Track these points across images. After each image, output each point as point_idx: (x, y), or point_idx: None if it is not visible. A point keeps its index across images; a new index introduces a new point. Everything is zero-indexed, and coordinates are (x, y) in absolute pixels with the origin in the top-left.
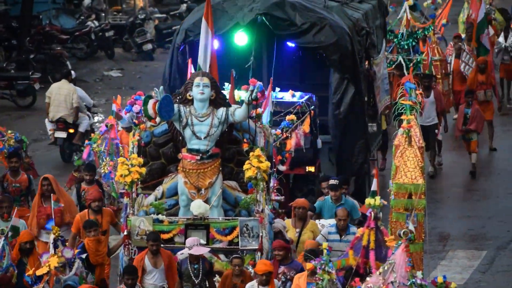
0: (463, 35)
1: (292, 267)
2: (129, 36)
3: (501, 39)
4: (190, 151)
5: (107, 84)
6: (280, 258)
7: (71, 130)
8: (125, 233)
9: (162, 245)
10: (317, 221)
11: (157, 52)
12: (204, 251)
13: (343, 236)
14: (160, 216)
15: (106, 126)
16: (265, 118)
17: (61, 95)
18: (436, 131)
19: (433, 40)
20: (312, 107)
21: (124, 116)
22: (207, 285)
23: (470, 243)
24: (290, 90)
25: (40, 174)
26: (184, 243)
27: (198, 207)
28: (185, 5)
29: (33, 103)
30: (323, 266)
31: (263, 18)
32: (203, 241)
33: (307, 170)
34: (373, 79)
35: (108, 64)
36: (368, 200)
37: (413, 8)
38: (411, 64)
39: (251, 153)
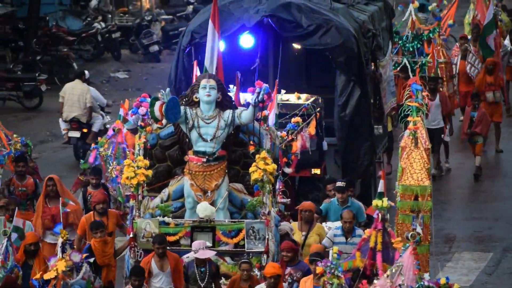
0: (469, 36)
1: (299, 268)
2: (136, 37)
3: (506, 42)
4: (196, 153)
5: (114, 85)
6: (288, 259)
7: (85, 130)
8: (131, 235)
9: (168, 248)
10: (323, 223)
11: (164, 53)
12: (210, 254)
13: (349, 239)
14: (166, 219)
15: (113, 130)
16: (271, 120)
17: (75, 95)
18: (443, 135)
19: (438, 42)
20: (317, 109)
21: (129, 118)
22: None
23: (476, 245)
24: (296, 92)
25: (45, 175)
26: (190, 246)
27: (204, 209)
28: (191, 6)
29: (39, 104)
30: (332, 270)
31: (269, 20)
32: (209, 244)
33: (312, 173)
34: (379, 81)
35: (114, 65)
36: (376, 202)
37: (422, 8)
38: (416, 66)
39: (257, 155)
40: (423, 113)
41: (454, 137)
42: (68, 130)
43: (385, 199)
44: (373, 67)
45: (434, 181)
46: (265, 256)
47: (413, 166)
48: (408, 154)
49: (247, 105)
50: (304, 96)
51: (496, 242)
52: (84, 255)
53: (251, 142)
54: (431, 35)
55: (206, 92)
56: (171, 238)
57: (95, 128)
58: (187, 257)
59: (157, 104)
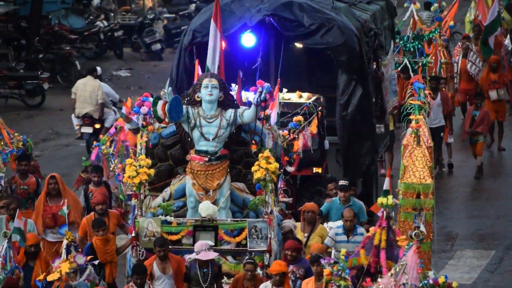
0: (470, 35)
1: (301, 265)
2: (138, 36)
3: (507, 41)
4: (198, 152)
5: (116, 84)
6: (292, 258)
7: (97, 126)
8: (133, 234)
9: (170, 247)
10: (324, 224)
11: (166, 52)
12: (212, 256)
13: (350, 237)
14: (168, 218)
15: (116, 128)
16: (273, 119)
17: (87, 91)
18: (442, 134)
19: (439, 42)
20: (319, 108)
21: (134, 119)
22: None
23: (479, 242)
24: (298, 91)
25: (48, 173)
26: (193, 245)
27: (206, 208)
28: (194, 5)
29: (42, 102)
30: (339, 272)
31: (271, 19)
32: (211, 243)
33: (314, 171)
34: (381, 80)
35: (117, 64)
36: (381, 199)
37: (428, 6)
38: (417, 66)
39: (260, 154)
40: (425, 111)
41: (454, 137)
42: (80, 125)
43: (390, 197)
44: (375, 66)
45: (436, 179)
46: (267, 255)
47: (415, 164)
48: (410, 152)
49: (248, 104)
50: (305, 95)
51: (498, 240)
52: (89, 257)
53: (253, 141)
54: (431, 35)
55: (208, 91)
56: (173, 237)
57: (107, 124)
58: (189, 258)
59: (160, 103)
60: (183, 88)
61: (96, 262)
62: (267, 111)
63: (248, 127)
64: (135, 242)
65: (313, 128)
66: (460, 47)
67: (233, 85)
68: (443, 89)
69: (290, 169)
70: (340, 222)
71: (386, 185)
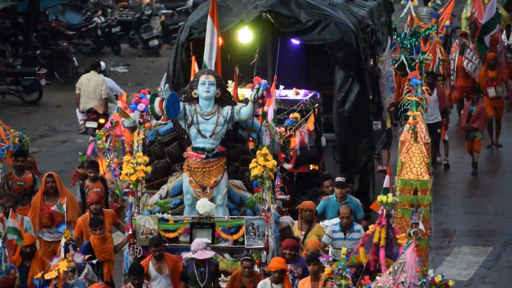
0: (467, 32)
1: (299, 264)
2: (136, 32)
3: (503, 37)
4: (195, 149)
5: (114, 80)
6: (290, 257)
7: (102, 120)
8: (130, 232)
9: (167, 244)
10: (320, 222)
11: (164, 48)
12: (209, 255)
13: (347, 234)
14: (165, 215)
15: (111, 122)
16: (269, 116)
17: (90, 87)
18: (439, 130)
19: (436, 39)
20: (316, 105)
21: (130, 114)
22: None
23: (476, 239)
24: (294, 88)
25: (45, 169)
26: (190, 243)
27: (204, 206)
28: (191, 1)
29: (39, 98)
30: (340, 271)
31: (268, 15)
32: (208, 241)
33: (311, 168)
34: (378, 76)
35: (114, 60)
36: (380, 197)
37: (427, 1)
38: (414, 63)
39: (257, 152)
40: (423, 107)
41: (452, 133)
42: (85, 120)
43: (390, 194)
44: (372, 63)
45: (433, 175)
46: (264, 252)
47: (412, 160)
48: (407, 148)
49: (245, 101)
50: (302, 91)
51: (495, 236)
52: (87, 256)
53: (251, 139)
54: (428, 32)
55: (205, 88)
56: (170, 235)
57: None
58: (186, 257)
59: (157, 100)
60: (180, 85)
61: (94, 261)
62: (264, 108)
63: (245, 124)
64: (132, 240)
65: (310, 125)
66: (457, 44)
67: (229, 81)
68: (441, 85)
69: (287, 166)
70: (336, 220)
71: (386, 183)
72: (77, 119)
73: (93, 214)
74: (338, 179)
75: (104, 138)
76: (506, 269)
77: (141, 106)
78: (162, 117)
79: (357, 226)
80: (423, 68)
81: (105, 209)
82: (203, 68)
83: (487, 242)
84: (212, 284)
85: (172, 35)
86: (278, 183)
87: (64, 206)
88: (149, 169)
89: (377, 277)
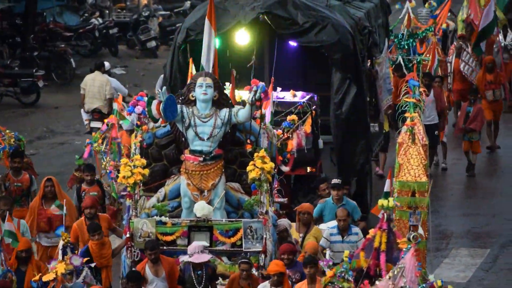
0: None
1: (297, 269)
2: (133, 33)
3: (500, 37)
4: (193, 152)
5: None
6: (288, 262)
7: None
8: (128, 235)
9: (165, 247)
10: (317, 226)
11: (161, 49)
12: (205, 258)
13: (345, 237)
14: (163, 218)
15: (107, 125)
16: (267, 118)
17: (95, 87)
18: (436, 132)
19: (434, 40)
20: (313, 107)
21: (127, 117)
22: None
23: (474, 241)
24: (292, 90)
25: (43, 171)
26: (187, 246)
27: (201, 208)
28: (189, 2)
29: (37, 100)
30: (342, 274)
31: (265, 17)
32: (206, 244)
33: (308, 171)
34: (375, 78)
35: (112, 61)
36: (381, 201)
37: (425, 1)
38: (413, 63)
39: (255, 154)
40: (420, 109)
41: (449, 134)
42: (90, 120)
43: (391, 198)
44: (369, 65)
45: (432, 180)
46: (262, 255)
47: (410, 162)
48: (405, 150)
49: (242, 103)
50: (299, 93)
51: (493, 238)
52: (85, 259)
53: (248, 141)
54: (425, 33)
55: (202, 90)
56: (167, 238)
57: None
58: (183, 260)
59: (154, 103)
60: (177, 87)
61: (92, 265)
62: (262, 111)
63: (243, 126)
64: (130, 243)
65: (307, 127)
66: (455, 46)
67: (226, 83)
68: (439, 86)
69: (285, 168)
70: (333, 223)
71: (387, 187)
72: (82, 119)
73: (88, 219)
74: (335, 181)
75: (100, 141)
76: (504, 271)
77: (139, 109)
78: (160, 119)
79: (355, 229)
80: (421, 69)
81: (100, 214)
82: (200, 70)
83: (485, 244)
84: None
85: (170, 36)
86: (276, 185)
87: (64, 207)
88: (146, 171)
89: (377, 282)
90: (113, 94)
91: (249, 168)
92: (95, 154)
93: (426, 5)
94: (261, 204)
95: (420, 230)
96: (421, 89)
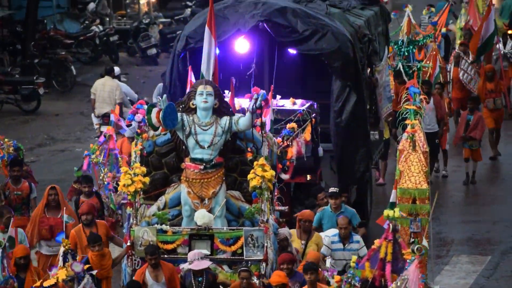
0: (458, 41)
1: (296, 279)
2: (134, 40)
3: (500, 45)
4: (193, 160)
5: None
6: (287, 272)
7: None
8: (129, 243)
9: (165, 256)
10: None
11: (162, 56)
12: (205, 265)
13: (346, 245)
14: (164, 226)
15: (105, 136)
16: (266, 126)
17: (105, 92)
18: (437, 140)
19: (433, 47)
20: (313, 115)
21: (124, 126)
22: None
23: (474, 248)
24: (291, 98)
25: (44, 178)
26: (188, 254)
27: (202, 217)
28: (189, 9)
29: (37, 107)
30: (349, 280)
31: (265, 24)
32: (207, 252)
33: (308, 179)
34: (375, 86)
35: None
36: (387, 212)
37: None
38: (413, 70)
39: (255, 162)
40: (421, 116)
41: (449, 141)
42: (100, 125)
43: (396, 209)
44: (369, 72)
45: (431, 184)
46: (264, 264)
47: (411, 169)
48: (406, 157)
49: (242, 111)
50: (299, 101)
51: (494, 245)
52: (87, 266)
53: (249, 149)
54: (425, 40)
55: (203, 98)
56: (168, 246)
57: None
58: (183, 268)
59: (154, 111)
60: (176, 94)
61: (94, 272)
62: (262, 119)
63: (243, 134)
64: (131, 252)
65: (307, 135)
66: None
67: (226, 91)
68: (440, 94)
69: (285, 176)
70: (332, 231)
71: (392, 197)
72: (93, 123)
73: (85, 225)
74: (332, 189)
75: (98, 152)
76: (505, 278)
77: (139, 117)
78: (160, 127)
79: (356, 237)
80: (421, 76)
81: (98, 220)
82: (200, 79)
83: (486, 251)
84: None
85: (170, 44)
86: (276, 193)
87: (65, 216)
88: (147, 180)
89: None
90: (123, 99)
91: (250, 176)
92: (93, 166)
93: (424, 11)
94: (262, 213)
95: (424, 242)
96: (422, 96)
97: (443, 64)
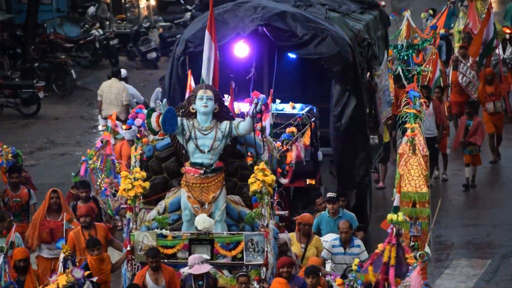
0: (457, 44)
1: (295, 283)
2: (134, 44)
3: (499, 50)
4: (193, 165)
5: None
6: (288, 275)
7: (124, 127)
8: (128, 248)
9: (165, 260)
10: None
11: (161, 60)
12: (205, 270)
13: (347, 249)
14: (164, 231)
15: (102, 142)
16: (266, 130)
17: (112, 94)
18: (437, 145)
19: (433, 51)
20: (312, 119)
21: (121, 131)
22: None
23: (474, 251)
24: (291, 102)
25: (44, 182)
26: (188, 259)
27: (203, 221)
28: (189, 13)
29: (37, 111)
30: (351, 283)
31: (264, 29)
32: (207, 257)
33: (307, 183)
34: (374, 90)
35: None
36: (390, 216)
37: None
38: (414, 74)
39: (256, 167)
40: (421, 120)
41: (449, 146)
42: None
43: (400, 213)
44: (368, 77)
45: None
46: (264, 268)
47: (411, 173)
48: (406, 161)
49: (241, 115)
50: (299, 105)
51: (494, 249)
52: (87, 272)
53: (249, 154)
54: (425, 44)
55: (203, 103)
56: (168, 251)
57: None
58: (183, 272)
59: (154, 115)
60: (175, 99)
61: (94, 279)
62: (263, 123)
63: (243, 139)
64: (131, 256)
65: (306, 139)
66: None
67: (225, 95)
68: (439, 98)
69: (284, 181)
70: (331, 236)
71: (396, 202)
72: (99, 125)
73: (84, 227)
74: (329, 194)
75: (95, 158)
76: (505, 281)
77: (138, 121)
78: (157, 132)
79: (357, 241)
80: (420, 80)
81: (96, 223)
82: (200, 83)
83: (486, 254)
84: None
85: (170, 47)
86: (275, 198)
87: (65, 222)
88: (147, 184)
89: None
90: (129, 101)
91: (250, 180)
92: (90, 171)
93: (422, 15)
94: (262, 217)
95: (427, 249)
96: (422, 100)
97: (443, 68)
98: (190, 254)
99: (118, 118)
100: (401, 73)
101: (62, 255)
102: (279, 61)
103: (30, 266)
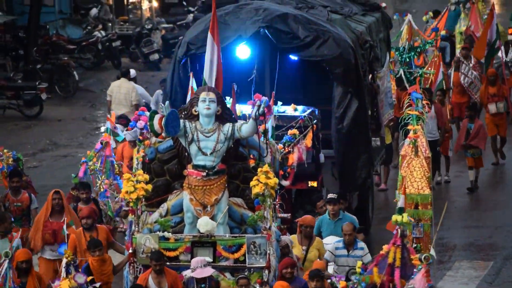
0: (459, 45)
1: (296, 285)
2: (136, 46)
3: (501, 53)
4: (196, 167)
5: None
6: (290, 276)
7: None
8: (131, 250)
9: (168, 263)
10: None
11: (164, 62)
12: (207, 273)
13: (350, 251)
14: (166, 234)
15: (101, 143)
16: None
17: (121, 94)
18: (439, 148)
19: (435, 54)
20: (314, 121)
21: (120, 133)
22: None
23: (477, 253)
24: (293, 104)
25: (46, 183)
26: (190, 261)
27: (205, 224)
28: (191, 15)
29: (40, 113)
30: (355, 285)
31: (266, 31)
32: (209, 259)
33: (309, 185)
34: (376, 92)
35: (115, 74)
36: (395, 217)
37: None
38: (415, 76)
39: (259, 169)
40: (423, 121)
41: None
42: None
43: (405, 214)
44: (370, 79)
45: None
46: (266, 271)
47: (413, 174)
48: (408, 162)
49: (243, 117)
50: (300, 107)
51: (496, 251)
52: (90, 278)
53: (251, 156)
54: (427, 46)
55: (205, 105)
56: (170, 254)
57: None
58: (186, 275)
59: (157, 117)
60: (177, 101)
61: (97, 285)
62: (265, 125)
63: (246, 141)
64: (133, 259)
65: (308, 141)
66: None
67: (227, 97)
68: (441, 101)
69: (285, 183)
70: (331, 238)
71: (401, 203)
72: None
73: (85, 229)
74: (330, 196)
75: (95, 159)
76: (507, 283)
77: (141, 124)
78: (159, 134)
79: (361, 244)
80: (422, 82)
81: (98, 225)
82: (203, 85)
83: (488, 256)
84: None
85: (173, 49)
86: (277, 200)
87: (65, 227)
88: (149, 187)
89: None
90: (139, 101)
91: (253, 183)
92: (90, 173)
93: (424, 18)
94: (264, 220)
95: (432, 251)
96: (424, 102)
97: (444, 70)
98: (192, 257)
99: (127, 118)
100: (403, 76)
101: (64, 260)
102: (280, 63)
103: (33, 268)
